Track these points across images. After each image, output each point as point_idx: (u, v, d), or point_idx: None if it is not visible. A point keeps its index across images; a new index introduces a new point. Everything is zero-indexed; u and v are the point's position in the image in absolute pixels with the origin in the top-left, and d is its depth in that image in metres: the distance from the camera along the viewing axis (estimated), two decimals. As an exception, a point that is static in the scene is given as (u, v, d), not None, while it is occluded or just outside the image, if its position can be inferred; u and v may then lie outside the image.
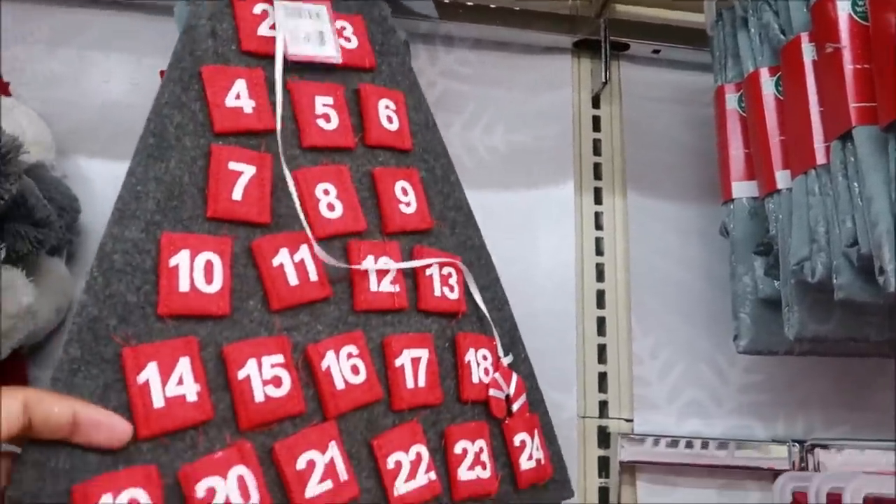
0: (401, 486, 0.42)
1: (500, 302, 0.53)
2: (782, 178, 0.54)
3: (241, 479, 0.36)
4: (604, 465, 0.69)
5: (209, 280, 0.38)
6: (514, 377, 0.51)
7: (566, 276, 0.72)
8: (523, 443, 0.49)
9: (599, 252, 0.74)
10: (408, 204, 0.49)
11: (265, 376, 0.38)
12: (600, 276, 0.73)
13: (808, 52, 0.52)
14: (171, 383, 0.35)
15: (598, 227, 0.74)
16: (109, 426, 0.32)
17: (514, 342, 0.53)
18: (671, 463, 0.67)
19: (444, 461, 0.45)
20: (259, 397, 0.38)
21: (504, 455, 0.48)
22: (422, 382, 0.45)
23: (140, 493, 0.32)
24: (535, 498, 0.50)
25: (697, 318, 0.73)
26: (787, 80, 0.54)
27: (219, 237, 0.39)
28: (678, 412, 0.70)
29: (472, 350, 0.48)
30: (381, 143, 0.49)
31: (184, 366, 0.35)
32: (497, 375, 0.49)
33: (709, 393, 0.71)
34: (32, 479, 0.30)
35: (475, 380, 0.48)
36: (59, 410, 0.30)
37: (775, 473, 0.65)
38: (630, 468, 0.68)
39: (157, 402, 0.34)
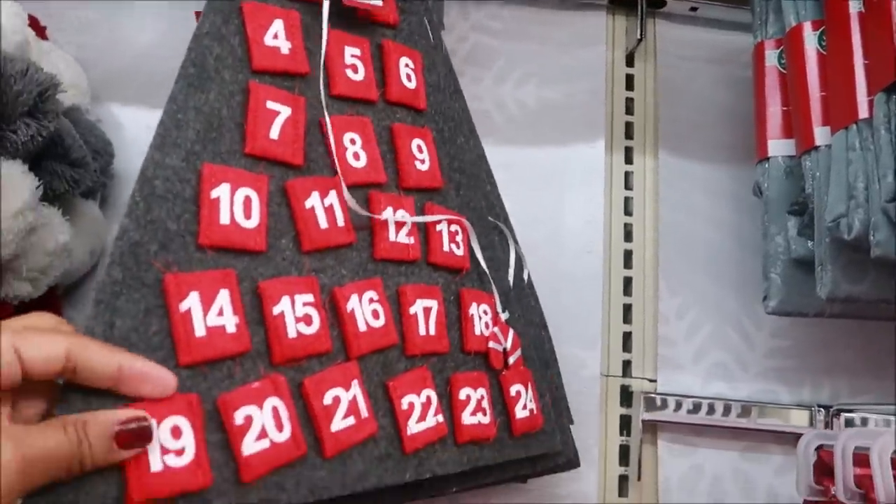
0: (413, 426, 0.44)
1: (498, 263, 0.54)
2: (821, 134, 0.53)
3: (275, 411, 0.37)
4: (625, 424, 0.69)
5: (248, 215, 0.38)
6: (511, 332, 0.52)
7: (594, 236, 0.71)
8: (518, 393, 0.51)
9: (628, 212, 0.73)
10: (422, 161, 0.50)
11: (297, 314, 0.39)
12: (628, 236, 0.73)
13: (854, 4, 0.50)
14: (212, 314, 0.35)
15: (628, 186, 0.74)
16: (156, 378, 0.32)
17: (508, 301, 0.54)
18: (693, 424, 0.67)
19: (449, 406, 0.47)
20: (292, 333, 0.38)
21: (500, 404, 0.50)
22: (432, 331, 0.47)
23: (182, 421, 0.33)
24: (527, 446, 0.51)
25: (725, 281, 0.72)
26: (830, 33, 0.53)
27: (256, 174, 0.40)
28: (703, 374, 0.70)
29: (474, 304, 0.50)
30: (400, 100, 0.50)
31: (223, 298, 0.36)
32: (496, 329, 0.51)
33: (734, 356, 0.71)
34: (78, 408, 0.30)
35: (477, 332, 0.50)
36: (104, 361, 0.30)
37: (798, 438, 0.64)
38: (651, 427, 0.68)
39: (199, 331, 0.35)
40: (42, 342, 0.28)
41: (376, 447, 0.42)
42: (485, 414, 0.48)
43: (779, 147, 0.60)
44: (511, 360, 0.52)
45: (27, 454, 0.27)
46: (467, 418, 0.47)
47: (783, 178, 0.59)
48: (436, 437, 0.45)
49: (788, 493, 0.69)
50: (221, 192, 0.37)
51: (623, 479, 0.68)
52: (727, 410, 0.67)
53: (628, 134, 0.75)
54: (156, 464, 0.31)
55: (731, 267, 0.73)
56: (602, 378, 0.69)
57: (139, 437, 0.31)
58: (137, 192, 0.35)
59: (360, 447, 0.41)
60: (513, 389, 0.51)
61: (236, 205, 0.38)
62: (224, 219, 0.37)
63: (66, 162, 0.52)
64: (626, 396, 0.69)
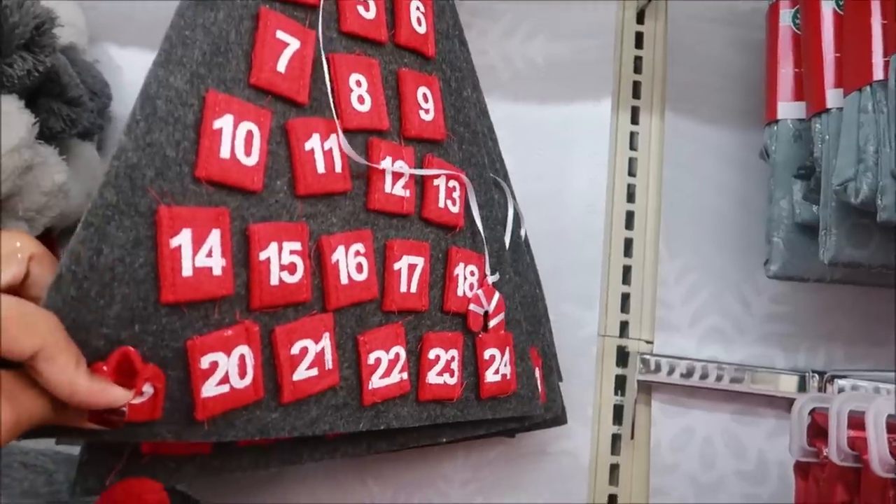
0: (375, 381, 0.44)
1: (494, 222, 0.54)
2: (833, 96, 0.52)
3: (241, 358, 0.36)
4: (620, 384, 0.69)
5: (248, 152, 0.37)
6: (497, 296, 0.52)
7: (596, 195, 0.71)
8: (492, 357, 0.51)
9: (632, 173, 0.72)
10: (427, 111, 0.49)
11: (283, 261, 0.38)
12: (631, 197, 0.72)
13: (875, -38, 0.49)
14: (202, 254, 0.34)
15: (633, 147, 0.73)
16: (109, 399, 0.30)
17: (500, 262, 0.54)
18: (687, 385, 0.68)
19: (416, 364, 0.47)
20: (274, 281, 0.38)
21: (472, 365, 0.50)
22: (413, 288, 0.47)
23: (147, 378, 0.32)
24: (495, 408, 0.52)
25: (727, 246, 0.72)
26: (849, -8, 0.52)
27: (259, 108, 0.38)
28: (699, 337, 0.70)
29: (461, 265, 0.50)
30: (409, 45, 0.49)
31: (215, 238, 0.35)
32: (480, 292, 0.51)
33: (732, 320, 0.71)
34: None
35: (459, 293, 0.50)
36: (60, 379, 0.28)
37: (791, 403, 0.65)
38: (646, 388, 0.69)
39: (186, 270, 0.34)
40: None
41: (335, 396, 0.42)
42: (452, 375, 0.48)
43: (788, 110, 0.59)
44: (491, 323, 0.52)
45: (20, 419, 0.28)
46: (432, 377, 0.47)
47: (791, 141, 0.59)
48: (397, 392, 0.45)
49: (778, 456, 0.70)
50: (224, 123, 0.36)
51: (616, 438, 0.68)
52: (721, 374, 0.67)
53: (635, 93, 0.74)
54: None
55: (734, 232, 0.72)
56: (599, 338, 0.69)
57: (109, 424, 0.31)
58: (138, 111, 0.33)
59: (317, 396, 0.41)
60: (487, 353, 0.51)
61: (238, 139, 0.36)
62: (224, 153, 0.36)
63: (63, 100, 0.51)
64: (623, 357, 0.70)
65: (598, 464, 0.67)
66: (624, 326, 0.70)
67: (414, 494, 0.64)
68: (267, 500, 0.61)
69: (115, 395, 0.30)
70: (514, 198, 0.57)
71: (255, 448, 0.43)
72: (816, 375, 0.67)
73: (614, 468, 0.68)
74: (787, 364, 0.71)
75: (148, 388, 0.32)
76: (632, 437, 0.67)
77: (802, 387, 0.67)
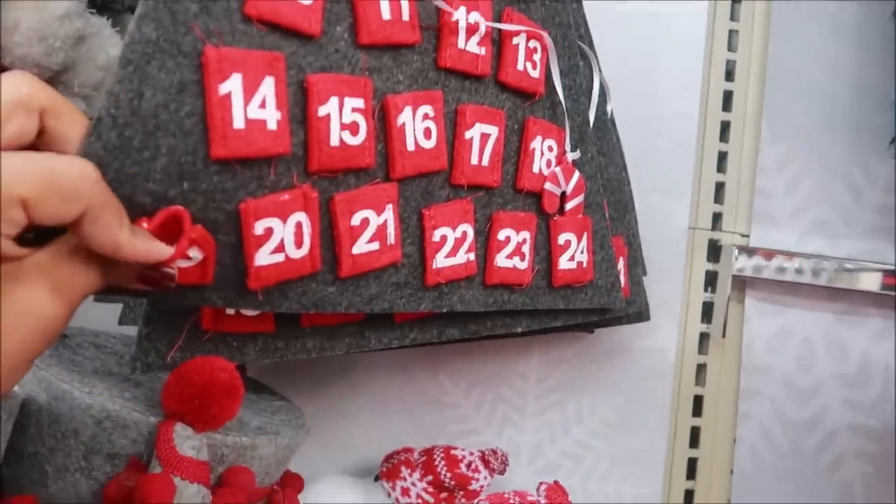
0: (440, 260, 0.40)
1: (577, 93, 0.47)
2: None
3: (298, 226, 0.33)
4: (710, 280, 0.64)
5: None
6: (576, 175, 0.47)
7: (692, 72, 0.63)
8: (568, 242, 0.47)
9: (732, 48, 0.65)
10: None
11: (344, 119, 0.34)
12: (729, 74, 0.65)
13: None
14: (254, 104, 0.30)
15: (734, 18, 0.65)
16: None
17: (583, 139, 0.48)
18: (786, 282, 0.62)
19: (485, 244, 0.43)
20: (335, 141, 0.34)
21: (545, 250, 0.46)
22: (485, 161, 0.42)
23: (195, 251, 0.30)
24: (569, 298, 0.48)
25: (838, 129, 0.64)
26: None
27: None
28: (801, 230, 0.64)
29: (539, 138, 0.45)
30: None
31: (268, 87, 0.31)
32: (558, 170, 0.46)
33: (839, 212, 0.64)
34: None
35: (535, 169, 0.45)
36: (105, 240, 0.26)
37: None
38: (740, 284, 0.63)
39: (238, 122, 0.30)
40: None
41: (395, 274, 0.39)
42: (522, 259, 0.44)
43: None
44: (568, 205, 0.47)
45: (72, 304, 0.26)
46: (501, 260, 0.43)
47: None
48: (463, 274, 0.42)
49: (884, 359, 0.64)
50: None
51: (704, 337, 0.64)
52: (823, 269, 0.61)
53: (739, -45, 0.65)
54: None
55: (846, 114, 0.64)
56: (689, 231, 0.64)
57: (159, 285, 0.29)
58: None
59: (377, 272, 0.38)
60: (562, 238, 0.46)
61: None
62: None
63: (114, -33, 0.48)
64: (714, 251, 0.64)
65: (683, 363, 0.63)
66: (717, 218, 0.64)
67: (487, 391, 0.62)
68: (338, 390, 0.60)
69: (158, 249, 0.27)
70: (600, 70, 0.51)
71: (320, 330, 0.40)
72: (935, 272, 0.61)
73: (701, 368, 0.64)
74: (900, 260, 0.64)
75: (196, 254, 0.30)
76: (723, 336, 0.62)
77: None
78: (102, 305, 0.47)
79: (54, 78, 0.46)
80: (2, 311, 0.24)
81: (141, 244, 0.27)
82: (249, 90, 0.30)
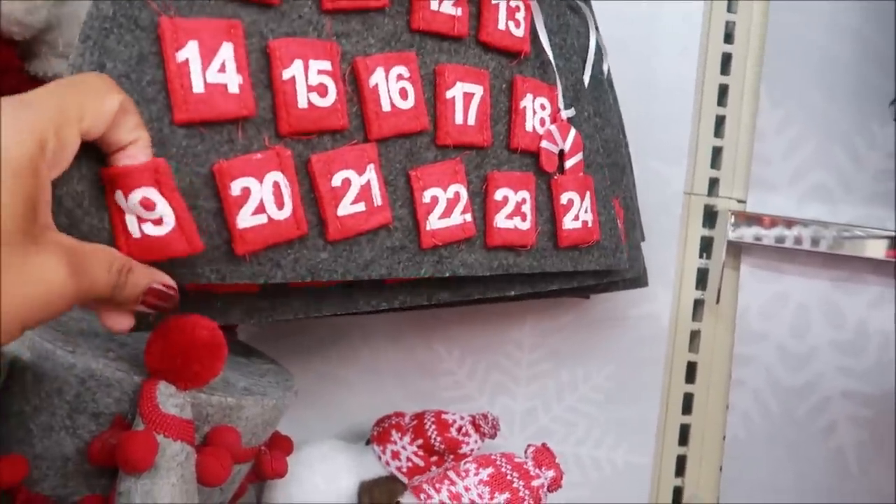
0: (433, 222, 0.40)
1: (569, 51, 0.46)
2: None
3: (276, 186, 0.33)
4: (706, 246, 0.64)
5: None
6: (573, 133, 0.46)
7: (690, 35, 0.62)
8: (571, 201, 0.46)
9: (731, 9, 0.63)
10: None
11: (311, 82, 0.34)
12: (728, 37, 0.63)
13: None
14: (213, 69, 0.31)
15: (734, -21, 0.63)
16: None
17: (578, 97, 0.47)
18: (782, 247, 0.61)
19: (482, 205, 0.42)
20: (302, 103, 0.34)
21: (548, 211, 0.45)
22: (471, 120, 0.41)
23: (152, 192, 0.30)
24: (577, 260, 0.47)
25: (840, 93, 0.63)
26: None
27: None
28: (800, 195, 0.63)
29: (529, 96, 0.44)
30: None
31: (226, 52, 0.31)
32: (553, 128, 0.45)
33: (839, 177, 0.63)
34: None
35: (528, 128, 0.44)
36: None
37: (902, 268, 0.58)
38: (735, 250, 0.63)
39: (197, 86, 0.31)
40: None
41: (389, 237, 0.38)
42: (524, 219, 0.43)
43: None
44: (568, 164, 0.46)
45: (82, 286, 0.27)
46: (501, 221, 0.43)
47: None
48: (461, 236, 0.41)
49: (881, 325, 0.64)
50: None
51: (698, 304, 0.64)
52: (821, 235, 0.61)
53: (739, -87, 0.63)
54: (134, 231, 0.30)
55: (847, 78, 0.63)
56: (685, 196, 0.63)
57: (164, 300, 0.31)
58: None
59: (370, 235, 0.37)
60: (564, 197, 0.45)
61: None
62: None
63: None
64: (710, 217, 0.63)
65: (677, 329, 0.63)
66: (713, 184, 0.64)
67: (482, 358, 0.62)
68: (333, 357, 0.60)
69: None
70: (597, 28, 0.50)
71: (306, 291, 0.40)
72: (934, 238, 0.60)
73: (695, 335, 0.64)
74: (899, 227, 0.63)
75: (164, 207, 0.30)
76: (717, 302, 0.62)
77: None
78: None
79: (38, 37, 0.46)
80: (12, 268, 0.24)
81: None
82: (207, 56, 0.31)
